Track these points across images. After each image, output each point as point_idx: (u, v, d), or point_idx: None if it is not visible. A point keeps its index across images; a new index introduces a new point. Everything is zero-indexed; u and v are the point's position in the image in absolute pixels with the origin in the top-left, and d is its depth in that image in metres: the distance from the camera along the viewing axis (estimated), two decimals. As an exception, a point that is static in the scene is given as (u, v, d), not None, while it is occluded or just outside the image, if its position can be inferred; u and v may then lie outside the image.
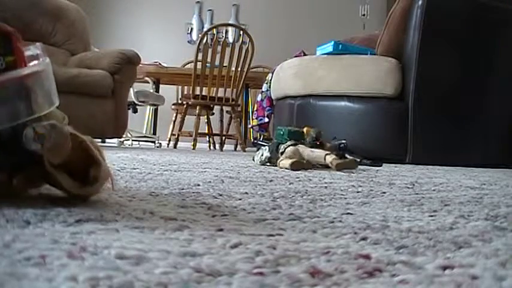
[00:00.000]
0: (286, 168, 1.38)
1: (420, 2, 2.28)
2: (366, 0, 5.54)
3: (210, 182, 0.87)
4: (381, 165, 1.78)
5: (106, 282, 0.25)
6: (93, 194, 0.53)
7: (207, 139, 4.66)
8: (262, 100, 3.22)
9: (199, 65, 3.46)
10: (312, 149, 1.46)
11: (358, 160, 1.61)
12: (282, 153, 1.48)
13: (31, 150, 0.47)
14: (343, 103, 2.38)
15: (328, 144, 1.56)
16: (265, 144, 1.70)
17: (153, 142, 4.41)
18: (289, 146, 1.49)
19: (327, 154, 1.40)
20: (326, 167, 1.42)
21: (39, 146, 0.46)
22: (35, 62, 0.51)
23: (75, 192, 0.51)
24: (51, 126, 0.47)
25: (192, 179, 0.90)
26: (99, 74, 2.87)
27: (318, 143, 1.53)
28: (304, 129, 1.58)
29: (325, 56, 2.52)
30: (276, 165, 1.50)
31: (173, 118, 4.29)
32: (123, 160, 1.44)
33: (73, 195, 0.51)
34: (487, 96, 2.38)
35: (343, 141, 1.62)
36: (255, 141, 1.97)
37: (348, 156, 1.57)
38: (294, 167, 1.35)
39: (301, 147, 1.48)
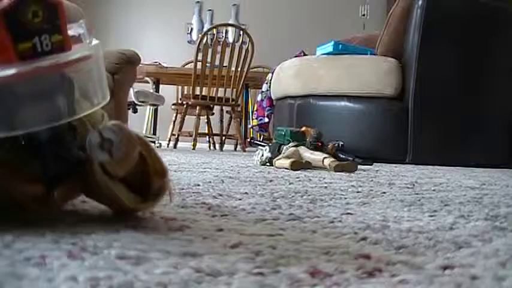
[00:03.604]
0: (284, 168, 1.39)
1: (420, 2, 2.28)
2: (366, 0, 5.53)
3: (210, 182, 0.87)
4: (371, 164, 1.78)
5: (106, 282, 0.25)
6: (151, 208, 0.45)
7: (207, 139, 4.66)
8: (262, 100, 3.22)
9: (199, 65, 3.46)
10: (312, 151, 1.46)
11: (351, 159, 1.61)
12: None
13: (99, 160, 0.38)
14: (343, 103, 2.38)
15: (330, 144, 1.56)
16: (263, 144, 1.70)
17: (153, 142, 4.41)
18: (291, 147, 1.49)
19: (325, 157, 1.40)
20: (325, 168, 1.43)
21: (106, 156, 0.38)
22: (79, 45, 0.41)
23: (134, 207, 0.42)
24: (119, 130, 0.38)
25: (192, 179, 0.90)
26: (99, 74, 2.87)
27: (320, 144, 1.53)
28: (303, 129, 1.59)
29: (325, 56, 2.52)
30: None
31: (173, 118, 4.29)
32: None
33: (123, 211, 0.43)
34: (487, 96, 2.37)
35: (340, 142, 1.63)
36: (252, 140, 1.97)
37: (341, 156, 1.57)
38: (294, 166, 1.35)
39: (302, 149, 1.48)
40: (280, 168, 1.41)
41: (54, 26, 0.38)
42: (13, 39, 0.36)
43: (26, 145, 0.39)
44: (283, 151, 1.50)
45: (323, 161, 1.39)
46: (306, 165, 1.40)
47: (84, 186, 0.42)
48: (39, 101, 0.37)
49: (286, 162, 1.38)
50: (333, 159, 1.39)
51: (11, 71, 0.35)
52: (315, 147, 1.50)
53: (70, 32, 0.40)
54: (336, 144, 1.60)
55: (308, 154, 1.45)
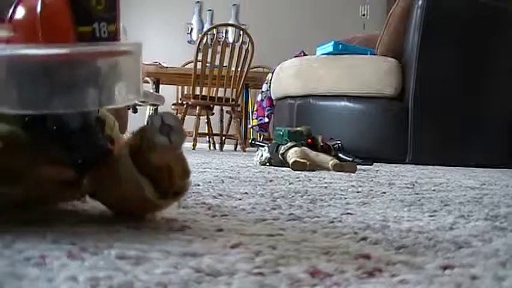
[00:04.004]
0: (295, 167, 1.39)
1: (420, 2, 2.28)
2: (366, 0, 5.53)
3: (210, 182, 0.87)
4: (371, 164, 1.78)
5: (106, 282, 0.25)
6: (167, 207, 0.44)
7: (207, 139, 4.66)
8: (262, 100, 3.22)
9: (199, 65, 3.46)
10: (317, 153, 1.47)
11: (350, 160, 1.61)
12: (282, 154, 1.48)
13: (157, 143, 0.38)
14: (343, 103, 2.38)
15: (319, 137, 1.56)
16: (263, 144, 1.70)
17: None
18: (290, 147, 1.48)
19: (331, 159, 1.41)
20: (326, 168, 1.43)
21: (165, 140, 0.39)
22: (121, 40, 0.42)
23: (156, 202, 0.41)
24: (178, 119, 0.40)
25: (192, 179, 0.90)
26: (99, 74, 2.86)
27: (310, 141, 1.53)
28: (298, 129, 1.58)
29: (325, 56, 2.52)
30: (276, 166, 1.50)
31: (173, 118, 4.28)
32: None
33: (133, 210, 0.42)
34: (487, 96, 2.37)
35: (338, 142, 1.63)
36: (253, 141, 1.97)
37: (341, 156, 1.58)
38: (296, 166, 1.35)
39: (307, 150, 1.48)
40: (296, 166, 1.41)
41: (112, 16, 0.39)
42: (75, 22, 0.37)
43: (57, 132, 0.40)
44: (281, 151, 1.49)
45: (329, 163, 1.40)
46: (310, 167, 1.39)
47: (104, 180, 0.42)
48: (81, 84, 0.37)
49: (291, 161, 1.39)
50: (337, 161, 1.40)
51: (67, 50, 0.36)
52: (308, 145, 1.50)
53: None
54: (336, 146, 1.60)
55: (313, 155, 1.45)
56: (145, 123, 0.40)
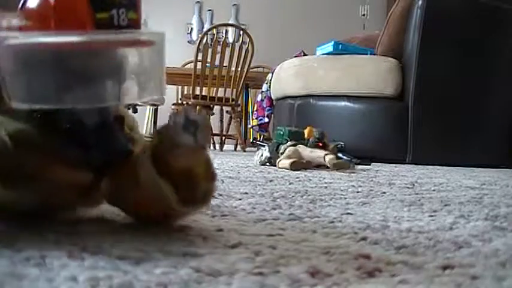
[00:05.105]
0: (285, 168, 1.38)
1: (420, 2, 2.28)
2: (366, 0, 5.53)
3: (210, 182, 0.87)
4: (369, 164, 1.78)
5: (106, 282, 0.25)
6: (194, 213, 0.40)
7: (207, 139, 4.66)
8: (262, 100, 3.22)
9: (199, 65, 3.46)
10: (312, 149, 1.46)
11: (349, 159, 1.61)
12: (282, 153, 1.49)
13: (181, 142, 0.34)
14: (343, 103, 2.38)
15: (331, 145, 1.56)
16: (264, 144, 1.70)
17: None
18: (289, 146, 1.49)
19: (326, 154, 1.40)
20: (325, 167, 1.42)
21: (190, 139, 0.34)
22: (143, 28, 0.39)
23: (180, 210, 0.37)
24: (203, 116, 0.35)
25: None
26: (99, 74, 2.86)
27: (321, 144, 1.52)
28: (306, 130, 1.58)
29: (325, 56, 2.52)
30: (276, 165, 1.50)
31: (173, 118, 4.28)
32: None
33: (155, 218, 0.39)
34: (487, 96, 2.37)
35: (341, 143, 1.63)
36: (254, 141, 1.97)
37: (339, 156, 1.58)
38: (294, 166, 1.35)
39: (301, 147, 1.48)
40: (283, 169, 1.41)
41: (132, 2, 0.36)
42: (92, 8, 0.34)
43: (71, 130, 0.36)
44: (281, 150, 1.50)
45: (324, 157, 1.39)
46: (307, 165, 1.40)
47: (122, 185, 0.38)
48: (98, 77, 0.34)
49: (287, 163, 1.38)
50: (333, 156, 1.40)
51: (83, 38, 0.33)
52: (316, 147, 1.50)
53: None
54: (339, 145, 1.61)
55: (307, 152, 1.45)
56: (167, 121, 0.36)
